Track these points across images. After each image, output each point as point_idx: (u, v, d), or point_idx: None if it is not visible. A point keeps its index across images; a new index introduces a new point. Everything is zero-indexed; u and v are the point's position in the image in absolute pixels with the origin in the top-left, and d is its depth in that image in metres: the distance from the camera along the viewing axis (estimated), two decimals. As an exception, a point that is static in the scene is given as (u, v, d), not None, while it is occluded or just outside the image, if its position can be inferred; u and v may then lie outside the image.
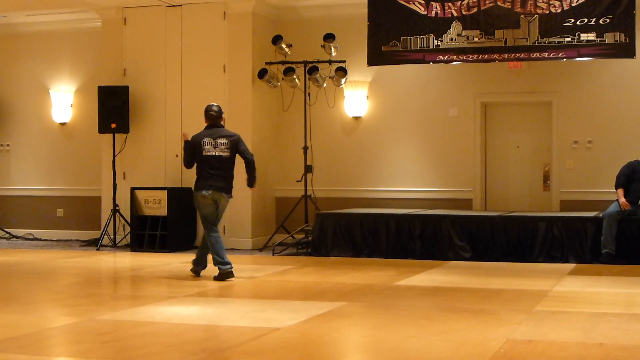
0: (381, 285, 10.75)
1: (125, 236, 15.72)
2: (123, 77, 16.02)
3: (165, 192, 15.02)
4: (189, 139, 11.60)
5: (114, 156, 15.76)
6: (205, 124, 11.54)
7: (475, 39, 14.00)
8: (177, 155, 15.64)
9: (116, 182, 15.71)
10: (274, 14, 16.06)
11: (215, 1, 15.48)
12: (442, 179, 15.54)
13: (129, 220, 15.47)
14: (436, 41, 14.11)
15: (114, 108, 15.60)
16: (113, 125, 15.58)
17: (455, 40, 14.06)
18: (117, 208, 15.67)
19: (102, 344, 7.36)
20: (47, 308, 9.32)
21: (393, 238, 13.88)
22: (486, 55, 14.04)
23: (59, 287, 10.81)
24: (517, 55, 13.92)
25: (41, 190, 17.37)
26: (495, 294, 10.12)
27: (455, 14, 14.06)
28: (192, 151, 11.46)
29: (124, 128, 15.61)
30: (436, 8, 14.13)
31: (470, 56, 14.10)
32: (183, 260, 13.54)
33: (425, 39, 14.17)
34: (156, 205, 15.02)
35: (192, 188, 11.51)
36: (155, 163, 15.85)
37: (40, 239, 17.03)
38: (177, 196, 15.19)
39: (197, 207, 11.50)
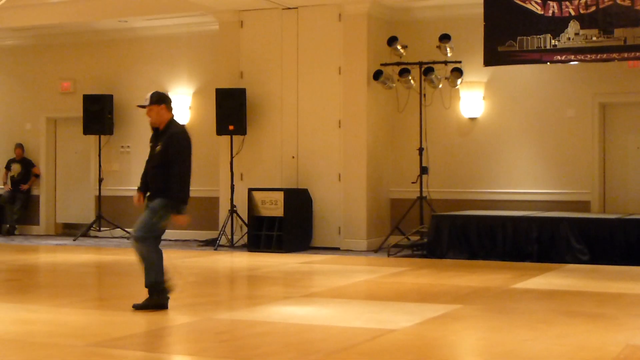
0: (497, 288, 10.66)
1: (242, 236, 15.91)
2: (240, 80, 16.22)
3: (282, 193, 15.14)
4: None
5: (232, 157, 15.97)
6: (170, 115, 9.11)
7: (594, 38, 13.74)
8: (293, 157, 15.77)
9: (234, 183, 15.92)
10: (389, 15, 16.05)
11: (331, 3, 15.55)
12: (559, 181, 15.30)
13: (246, 221, 15.65)
14: (553, 41, 13.90)
15: (231, 110, 15.80)
16: (231, 127, 15.78)
17: (572, 39, 13.82)
18: (235, 209, 15.88)
19: (220, 342, 7.48)
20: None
21: (509, 240, 13.72)
22: (605, 55, 13.77)
23: (177, 286, 10.99)
24: (637, 54, 13.62)
25: (160, 191, 17.68)
26: (614, 298, 9.93)
27: (572, 13, 13.83)
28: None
29: (241, 130, 15.80)
30: (553, 7, 13.92)
31: (589, 56, 13.84)
32: (299, 261, 13.65)
33: (542, 39, 13.97)
34: (273, 206, 15.16)
35: (167, 199, 8.92)
36: (271, 164, 16.00)
37: (159, 239, 17.33)
38: (294, 197, 15.30)
39: (165, 216, 8.93)
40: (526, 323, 8.29)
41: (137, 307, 8.84)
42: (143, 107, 9.03)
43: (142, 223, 8.92)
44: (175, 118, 9.15)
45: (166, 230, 9.13)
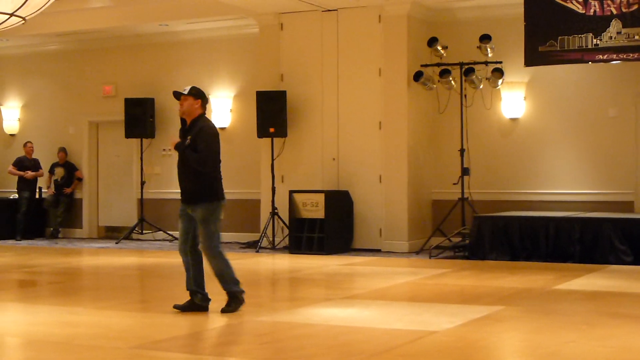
0: (539, 289, 10.61)
1: (283, 238, 15.95)
2: (280, 82, 16.26)
3: (323, 195, 15.17)
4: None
5: (273, 160, 16.02)
6: (202, 112, 9.11)
7: (636, 37, 13.60)
8: (333, 159, 15.79)
9: (275, 185, 15.96)
10: (429, 16, 16.02)
11: (371, 5, 15.54)
12: (602, 181, 15.18)
13: (287, 223, 15.69)
14: (595, 40, 13.79)
15: (272, 113, 15.84)
16: (271, 130, 15.82)
17: (614, 38, 13.70)
18: (276, 211, 15.92)
19: (261, 344, 7.50)
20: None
21: (552, 241, 13.63)
22: (648, 54, 13.65)
23: (218, 288, 11.03)
24: (681, 52, 13.48)
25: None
26: (658, 299, 9.86)
27: (614, 12, 13.71)
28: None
29: (282, 132, 15.84)
30: (595, 6, 13.81)
31: (631, 55, 13.70)
32: (340, 263, 13.66)
33: (583, 38, 13.87)
34: (314, 207, 15.18)
35: (209, 196, 8.94)
36: (312, 166, 16.02)
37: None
38: (335, 199, 15.31)
39: (217, 219, 8.95)
40: (569, 324, 8.24)
41: (224, 311, 8.89)
42: (179, 94, 9.01)
43: (205, 238, 8.92)
44: (204, 116, 9.13)
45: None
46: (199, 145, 8.84)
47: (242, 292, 9.01)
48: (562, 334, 7.74)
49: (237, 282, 8.99)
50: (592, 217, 13.76)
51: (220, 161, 9.09)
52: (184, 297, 9.07)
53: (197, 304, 9.02)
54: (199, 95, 9.01)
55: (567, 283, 11.10)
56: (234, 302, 8.93)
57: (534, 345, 7.42)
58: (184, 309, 8.97)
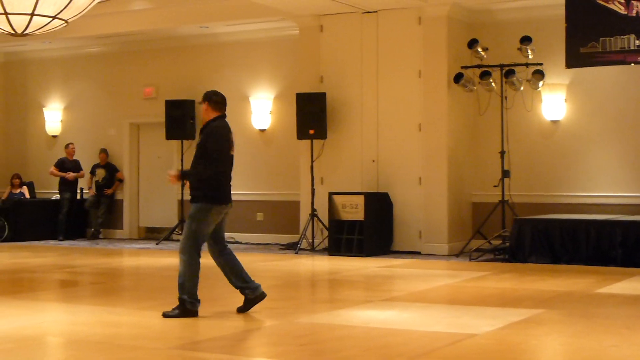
0: (580, 293, 10.53)
1: (323, 240, 15.95)
2: (320, 84, 16.27)
3: (362, 196, 15.15)
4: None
5: (312, 161, 16.03)
6: (215, 114, 9.13)
7: (679, 38, 13.50)
8: (373, 161, 15.77)
9: (314, 187, 15.98)
10: (469, 18, 15.96)
11: (410, 6, 15.51)
12: (645, 184, 15.06)
13: (326, 225, 15.69)
14: (637, 41, 13.66)
15: (311, 114, 15.86)
16: (311, 132, 15.84)
17: (657, 40, 13.60)
18: (315, 212, 15.93)
19: (300, 346, 7.51)
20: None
21: (593, 245, 13.53)
22: (691, 55, 13.52)
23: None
24: None
25: (242, 195, 17.65)
26: (701, 303, 9.75)
27: (657, 13, 13.60)
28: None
29: (321, 134, 15.85)
30: (637, 7, 13.68)
31: (674, 56, 13.60)
32: (380, 265, 13.65)
33: (625, 40, 13.75)
34: (353, 209, 15.17)
35: (201, 199, 8.92)
36: (352, 168, 16.02)
37: (241, 242, 17.45)
38: (374, 201, 15.30)
39: (204, 221, 8.84)
40: (610, 328, 8.18)
41: (165, 314, 8.75)
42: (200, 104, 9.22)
43: (184, 236, 8.96)
44: (221, 118, 9.13)
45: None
46: (208, 141, 8.95)
47: (195, 305, 8.70)
48: (603, 338, 7.68)
49: (194, 296, 8.72)
50: (635, 220, 13.63)
51: (232, 163, 9.12)
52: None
53: (251, 298, 8.97)
54: (205, 98, 9.16)
55: (608, 287, 11.02)
56: (180, 309, 8.68)
57: (575, 349, 7.37)
58: (245, 309, 8.96)
